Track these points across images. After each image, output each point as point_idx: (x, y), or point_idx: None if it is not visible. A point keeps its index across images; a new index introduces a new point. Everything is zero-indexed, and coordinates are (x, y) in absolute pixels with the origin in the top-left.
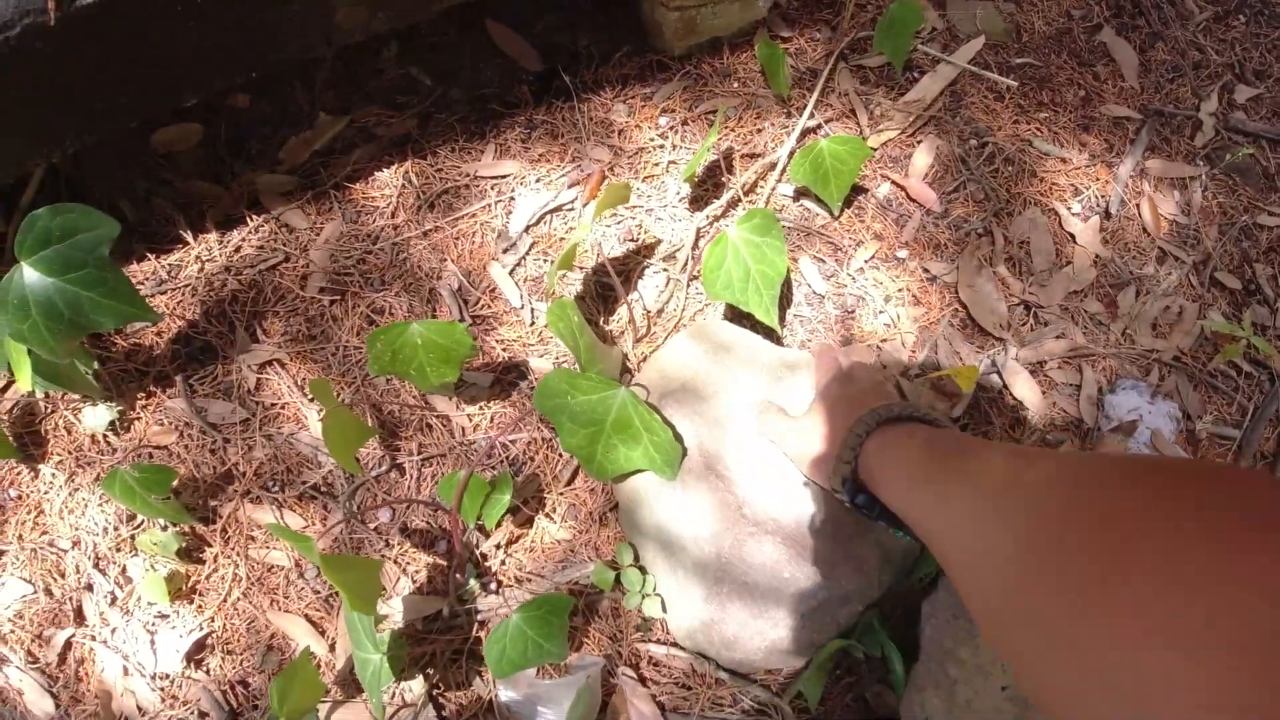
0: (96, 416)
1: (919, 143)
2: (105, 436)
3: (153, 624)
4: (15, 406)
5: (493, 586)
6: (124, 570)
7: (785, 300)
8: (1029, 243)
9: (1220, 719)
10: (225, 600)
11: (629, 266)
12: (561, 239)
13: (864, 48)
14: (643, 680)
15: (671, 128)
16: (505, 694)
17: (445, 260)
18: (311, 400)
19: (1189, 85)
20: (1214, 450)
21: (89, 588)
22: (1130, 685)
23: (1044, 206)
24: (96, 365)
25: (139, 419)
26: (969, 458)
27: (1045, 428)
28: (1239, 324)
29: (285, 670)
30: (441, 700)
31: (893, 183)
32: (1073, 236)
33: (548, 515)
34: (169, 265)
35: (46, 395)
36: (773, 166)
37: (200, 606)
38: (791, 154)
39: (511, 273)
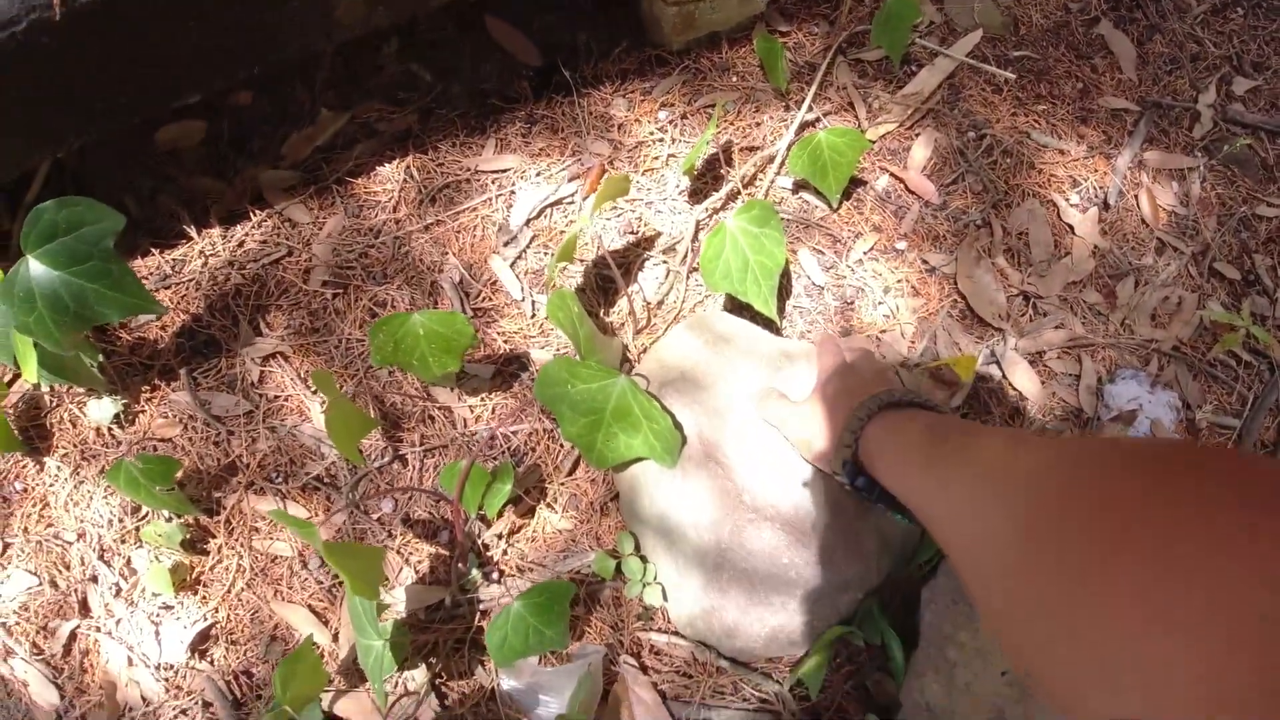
0: (101, 409)
1: (917, 135)
2: (110, 429)
3: (157, 615)
4: (21, 400)
5: (495, 576)
6: (129, 562)
7: (785, 292)
8: (1027, 234)
9: (1220, 707)
10: (229, 591)
11: (629, 259)
12: (562, 232)
13: (862, 42)
14: (644, 669)
15: (671, 121)
16: (507, 683)
17: (447, 254)
18: (314, 392)
19: (1187, 77)
20: (1214, 439)
21: (94, 579)
22: (1130, 672)
23: (1042, 198)
24: (101, 358)
25: (143, 412)
26: (969, 442)
27: (1045, 418)
28: (1238, 314)
29: (288, 658)
30: (444, 689)
31: (891, 175)
32: (1071, 228)
33: (549, 505)
34: (173, 260)
35: (52, 388)
36: (771, 159)
37: (204, 597)
38: (790, 147)
39: (512, 266)
